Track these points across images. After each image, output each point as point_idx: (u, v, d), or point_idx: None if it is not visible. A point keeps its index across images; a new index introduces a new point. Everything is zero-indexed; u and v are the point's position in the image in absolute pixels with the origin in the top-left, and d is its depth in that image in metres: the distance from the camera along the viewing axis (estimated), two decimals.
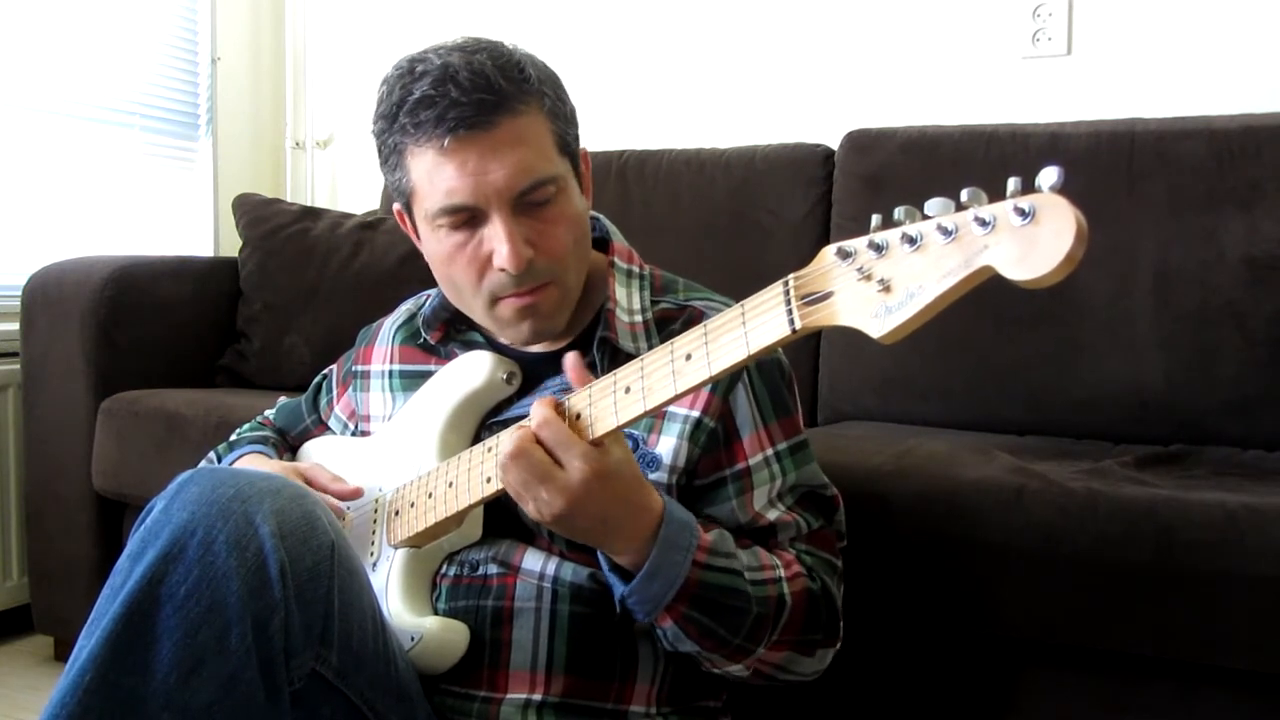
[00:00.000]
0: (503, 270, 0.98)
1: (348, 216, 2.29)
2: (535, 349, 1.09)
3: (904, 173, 1.87)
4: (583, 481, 0.85)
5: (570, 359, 0.91)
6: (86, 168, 2.43)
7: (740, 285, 0.98)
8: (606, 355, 1.04)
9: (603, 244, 1.14)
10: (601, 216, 1.16)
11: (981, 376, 1.77)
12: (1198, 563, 1.14)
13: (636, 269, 1.12)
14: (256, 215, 2.28)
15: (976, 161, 1.81)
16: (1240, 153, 1.65)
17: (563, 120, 1.03)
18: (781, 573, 0.98)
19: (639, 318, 1.06)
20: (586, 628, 1.00)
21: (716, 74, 2.34)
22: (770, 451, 1.04)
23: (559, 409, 0.88)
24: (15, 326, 2.09)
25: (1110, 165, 1.72)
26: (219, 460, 1.26)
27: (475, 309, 1.06)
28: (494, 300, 1.02)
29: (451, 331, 1.15)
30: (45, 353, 2.01)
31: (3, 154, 2.25)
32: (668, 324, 1.07)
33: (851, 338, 1.87)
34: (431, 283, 1.12)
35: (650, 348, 0.92)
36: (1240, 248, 1.62)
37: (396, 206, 1.09)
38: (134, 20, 2.51)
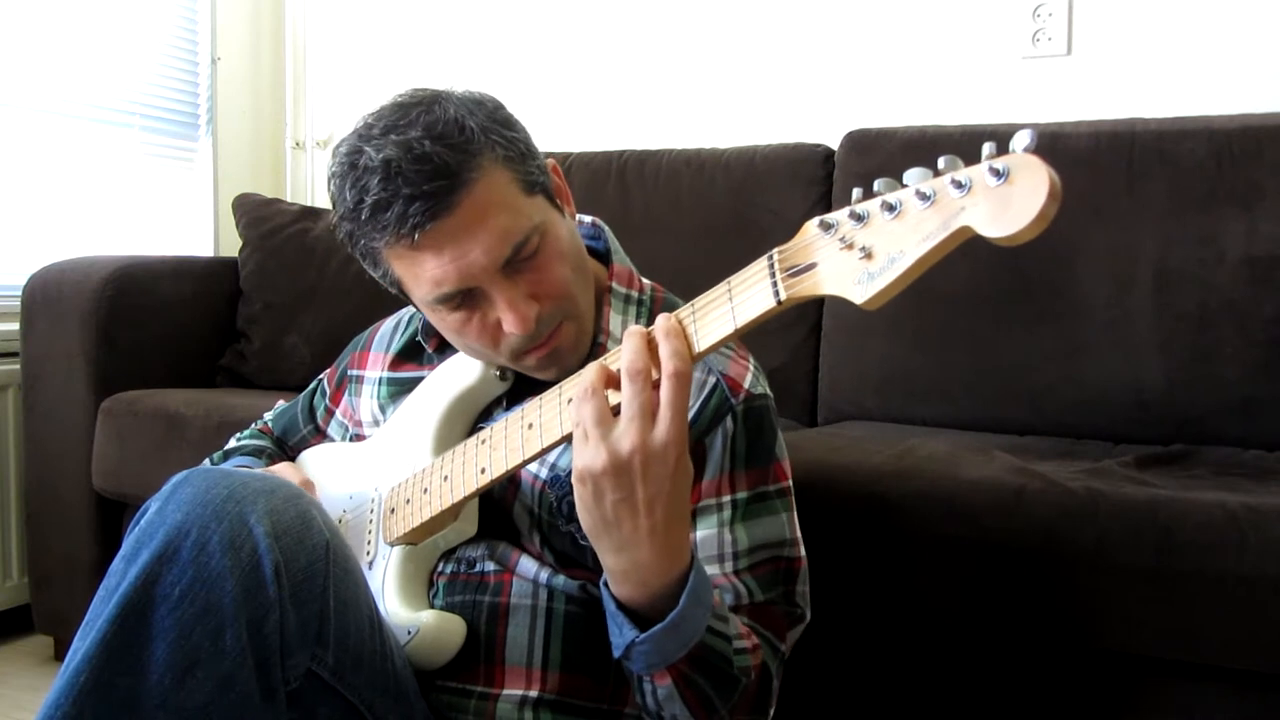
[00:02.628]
0: (514, 333, 0.97)
1: None
2: None
3: (904, 173, 1.87)
4: (665, 446, 0.79)
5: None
6: (86, 168, 2.43)
7: None
8: None
9: (604, 257, 1.12)
10: (605, 228, 1.14)
11: (981, 376, 1.77)
12: (1198, 563, 1.13)
13: (635, 293, 1.10)
14: (256, 215, 2.28)
15: (977, 161, 1.81)
16: (1240, 153, 1.65)
17: (519, 160, 0.97)
18: (749, 643, 0.94)
19: None
20: (581, 627, 0.99)
21: (716, 74, 2.33)
22: (726, 498, 1.00)
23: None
24: (15, 326, 2.09)
25: (1110, 165, 1.72)
26: None
27: (500, 364, 1.05)
28: (516, 357, 1.01)
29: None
30: (45, 353, 2.01)
31: (3, 154, 2.25)
32: None
33: (851, 337, 1.87)
34: None
35: None
36: (1240, 248, 1.62)
37: (393, 290, 1.07)
38: (134, 20, 2.51)
